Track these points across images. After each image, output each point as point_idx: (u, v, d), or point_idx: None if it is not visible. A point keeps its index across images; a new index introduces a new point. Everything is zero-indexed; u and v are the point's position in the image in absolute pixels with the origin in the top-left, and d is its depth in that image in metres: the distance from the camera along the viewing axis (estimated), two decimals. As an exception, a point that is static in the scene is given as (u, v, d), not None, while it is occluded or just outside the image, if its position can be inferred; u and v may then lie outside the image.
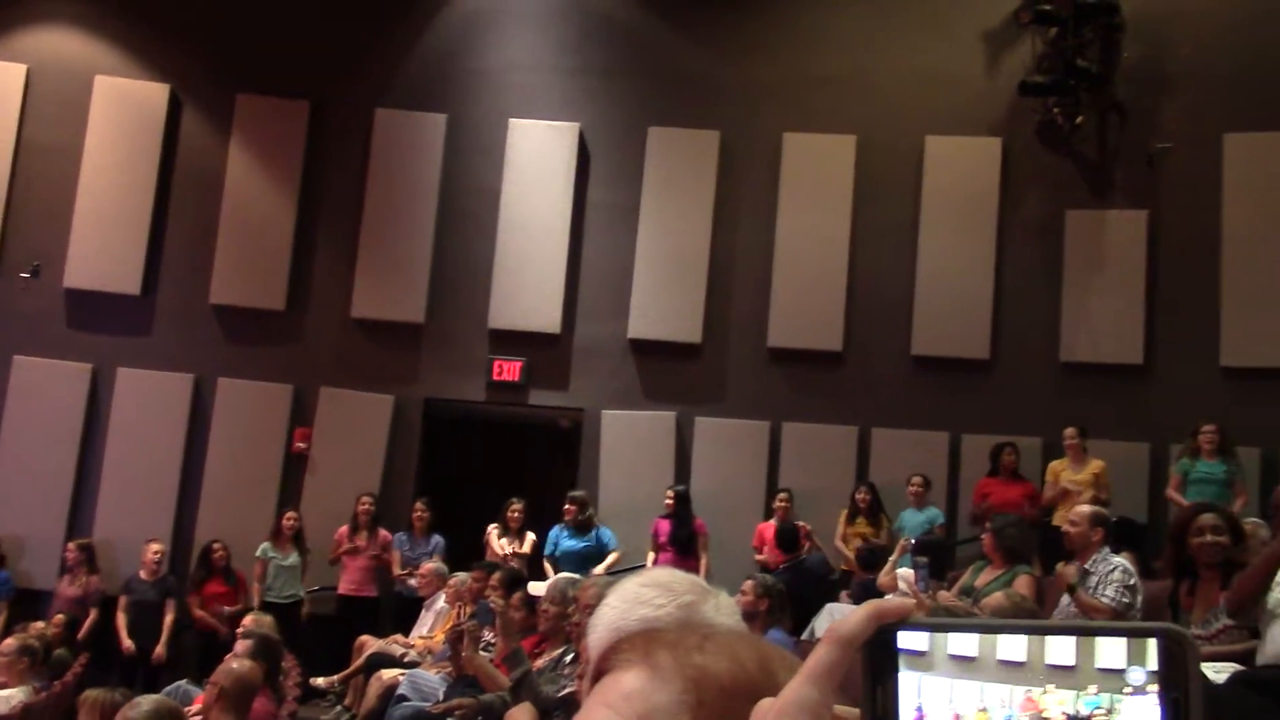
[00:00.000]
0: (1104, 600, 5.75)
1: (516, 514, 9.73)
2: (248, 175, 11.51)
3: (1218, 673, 4.54)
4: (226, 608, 9.64)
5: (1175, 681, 0.67)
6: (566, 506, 9.69)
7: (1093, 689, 0.69)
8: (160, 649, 9.72)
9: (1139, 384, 10.31)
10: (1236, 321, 10.10)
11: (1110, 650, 0.68)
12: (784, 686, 0.72)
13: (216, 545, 9.96)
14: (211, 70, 11.62)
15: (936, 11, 11.21)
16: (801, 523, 9.56)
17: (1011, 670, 0.70)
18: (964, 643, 0.71)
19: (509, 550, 9.56)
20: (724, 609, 1.72)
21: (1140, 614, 5.87)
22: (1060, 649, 0.69)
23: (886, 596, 7.04)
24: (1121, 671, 0.68)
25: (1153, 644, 0.68)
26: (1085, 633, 0.70)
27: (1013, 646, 0.70)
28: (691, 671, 0.80)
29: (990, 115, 11.00)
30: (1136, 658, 0.68)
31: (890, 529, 9.71)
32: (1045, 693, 0.69)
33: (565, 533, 9.62)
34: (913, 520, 9.63)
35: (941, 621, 0.74)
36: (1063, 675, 0.69)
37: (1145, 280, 10.44)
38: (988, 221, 10.80)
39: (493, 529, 9.81)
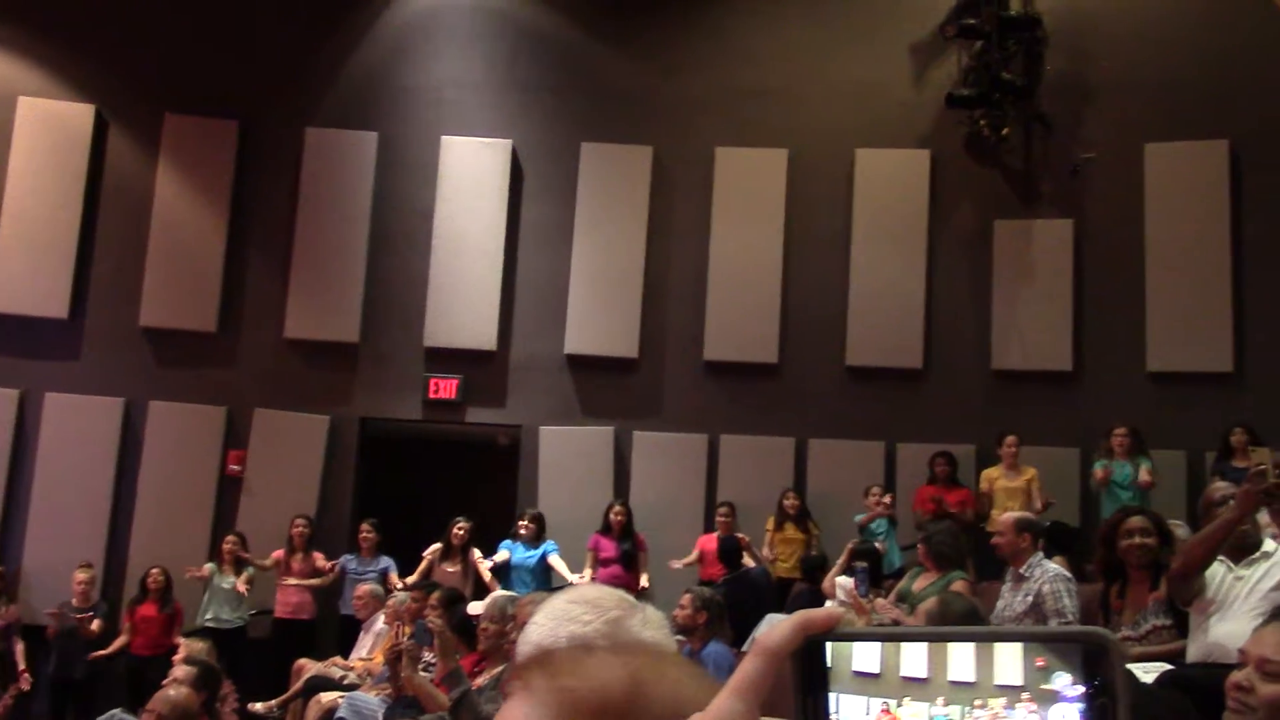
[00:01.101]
0: (1069, 613, 5.82)
1: (461, 532, 9.65)
2: (177, 196, 11.37)
3: (1147, 673, 4.62)
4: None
5: (1102, 686, 0.68)
6: (526, 523, 9.62)
7: (940, 700, 0.70)
8: (80, 674, 9.55)
9: (1068, 390, 10.49)
10: (1161, 327, 10.32)
11: (1007, 665, 0.69)
12: (657, 704, 0.72)
13: (154, 570, 9.80)
14: (138, 90, 11.47)
15: (865, 26, 11.35)
16: (741, 535, 9.61)
17: (913, 686, 0.71)
18: (868, 659, 0.72)
19: (487, 565, 9.51)
20: (652, 623, 1.73)
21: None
22: (961, 664, 0.70)
23: (827, 603, 7.10)
24: (1018, 688, 0.69)
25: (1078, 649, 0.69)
26: (1013, 639, 0.70)
27: (915, 662, 0.71)
28: (562, 695, 0.79)
29: (919, 128, 11.15)
30: (1062, 663, 0.69)
31: (820, 536, 9.77)
32: (900, 705, 0.70)
33: (519, 546, 9.57)
34: (872, 528, 9.61)
35: (866, 631, 0.75)
36: (961, 691, 0.70)
37: (1072, 288, 10.63)
38: (918, 232, 10.95)
39: (434, 549, 9.72)
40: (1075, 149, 10.81)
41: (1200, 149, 10.45)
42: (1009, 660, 0.69)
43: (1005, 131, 10.83)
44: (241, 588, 9.68)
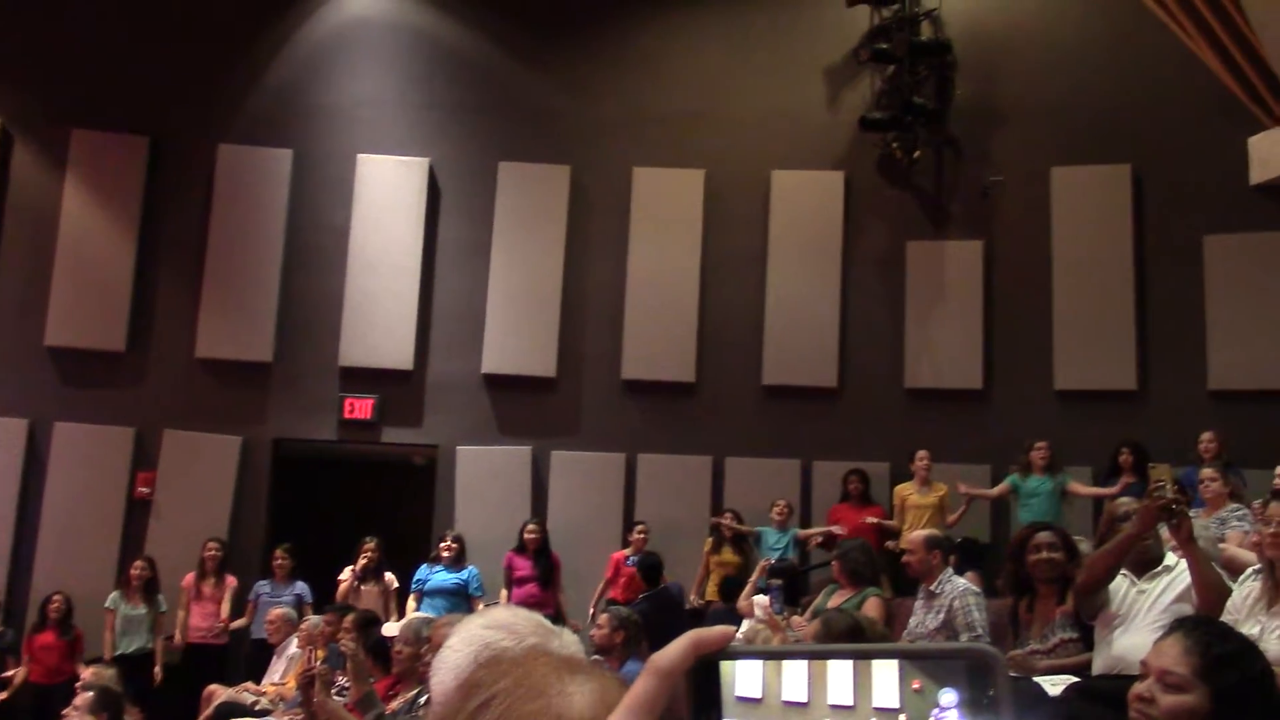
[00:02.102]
0: (978, 627, 5.90)
1: (370, 553, 9.51)
2: (84, 212, 11.14)
3: (1055, 685, 4.71)
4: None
5: (986, 702, 0.69)
6: (448, 544, 9.48)
7: None
8: None
9: (979, 408, 10.68)
10: (1068, 346, 10.56)
11: (884, 688, 0.70)
12: None
13: (56, 597, 9.53)
14: (45, 105, 11.24)
15: (781, 49, 11.49)
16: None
17: (793, 711, 0.72)
18: (749, 683, 0.72)
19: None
20: (568, 647, 1.73)
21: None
22: (840, 686, 0.71)
23: (744, 622, 7.14)
24: (895, 710, 0.70)
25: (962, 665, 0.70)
26: (899, 656, 0.71)
27: (795, 685, 0.72)
28: None
29: (833, 150, 11.31)
30: (948, 679, 0.70)
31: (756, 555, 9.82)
32: None
33: (436, 569, 9.43)
34: (771, 540, 9.66)
35: (760, 649, 0.75)
36: (840, 715, 0.71)
37: (983, 308, 10.84)
38: (833, 253, 11.09)
39: (348, 572, 9.57)
40: (984, 172, 11.04)
41: (1104, 173, 10.74)
42: (886, 683, 0.70)
43: (917, 154, 11.05)
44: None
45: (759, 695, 0.72)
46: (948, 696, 0.69)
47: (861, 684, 0.71)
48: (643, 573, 9.30)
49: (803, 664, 0.72)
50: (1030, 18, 11.19)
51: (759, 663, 0.73)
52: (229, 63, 11.50)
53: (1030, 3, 11.27)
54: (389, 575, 9.52)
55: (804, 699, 0.72)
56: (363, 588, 9.40)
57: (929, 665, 0.71)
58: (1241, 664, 2.24)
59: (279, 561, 9.77)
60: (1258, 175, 10.39)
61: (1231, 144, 10.45)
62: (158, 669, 9.56)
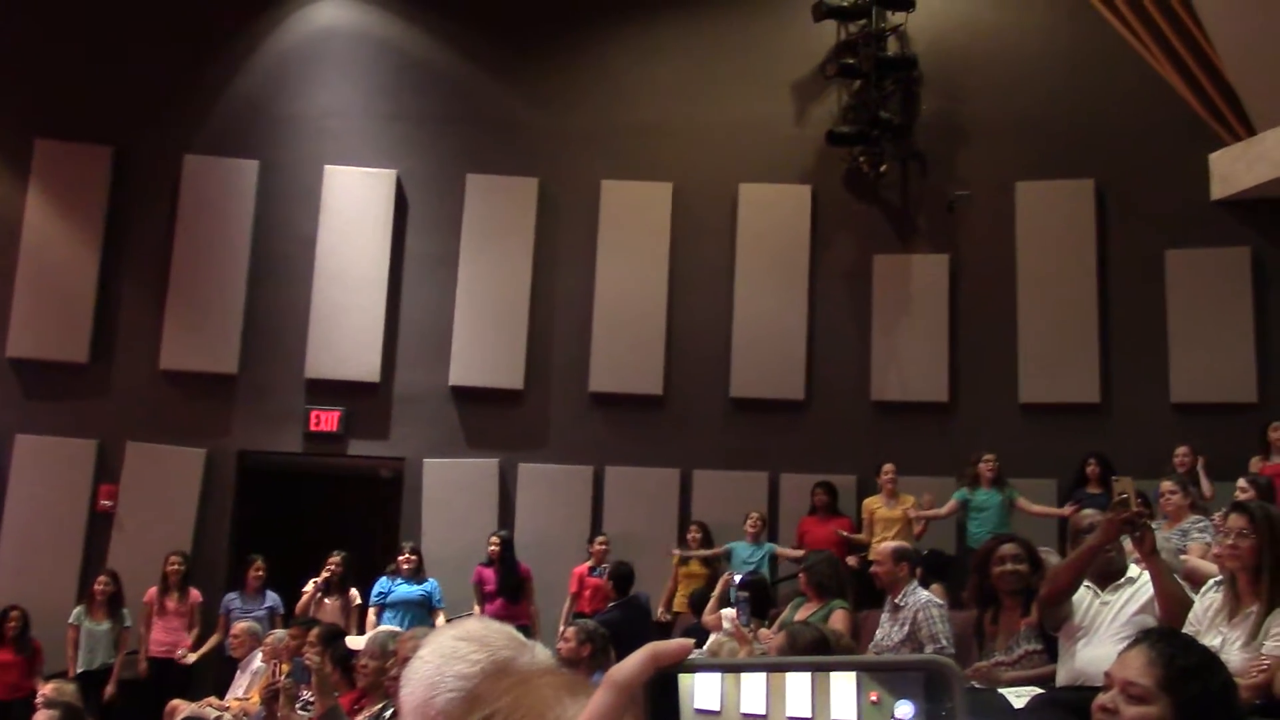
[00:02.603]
0: (942, 639, 5.93)
1: (334, 567, 9.45)
2: (47, 223, 11.05)
3: (1019, 696, 4.74)
4: None
5: (943, 714, 0.69)
6: (407, 556, 9.43)
7: None
8: None
9: (945, 421, 10.74)
10: (1032, 359, 10.64)
11: (841, 700, 0.70)
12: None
13: (13, 613, 9.38)
14: (7, 114, 11.15)
15: (748, 63, 11.55)
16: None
17: None
18: (708, 695, 0.72)
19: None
20: (540, 661, 1.72)
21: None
22: (798, 699, 0.71)
23: (712, 636, 7.14)
24: None
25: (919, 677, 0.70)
26: (858, 668, 0.71)
27: (754, 698, 0.72)
28: None
29: (800, 164, 11.37)
30: (906, 692, 0.70)
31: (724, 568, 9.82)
32: None
33: (397, 581, 9.39)
34: (744, 554, 9.64)
35: (718, 662, 0.75)
36: None
37: (948, 321, 10.91)
38: (800, 266, 11.14)
39: (311, 584, 9.50)
40: (950, 186, 11.12)
41: (1068, 188, 10.85)
42: (843, 695, 0.70)
43: (883, 168, 11.12)
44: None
45: (718, 708, 0.72)
46: (904, 708, 0.69)
47: (820, 696, 0.71)
48: (615, 581, 9.26)
49: (761, 676, 0.72)
50: (995, 34, 11.30)
51: (718, 675, 0.73)
52: (195, 73, 11.44)
53: (995, 20, 11.38)
54: (353, 591, 9.44)
55: (762, 711, 0.71)
56: (325, 600, 9.32)
57: (887, 677, 0.71)
58: (1204, 676, 2.27)
59: (255, 572, 9.68)
60: (1218, 191, 10.53)
61: (1193, 160, 10.59)
62: (110, 686, 9.43)
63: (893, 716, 0.69)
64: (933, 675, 0.70)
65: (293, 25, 11.72)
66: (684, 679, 0.73)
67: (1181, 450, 8.86)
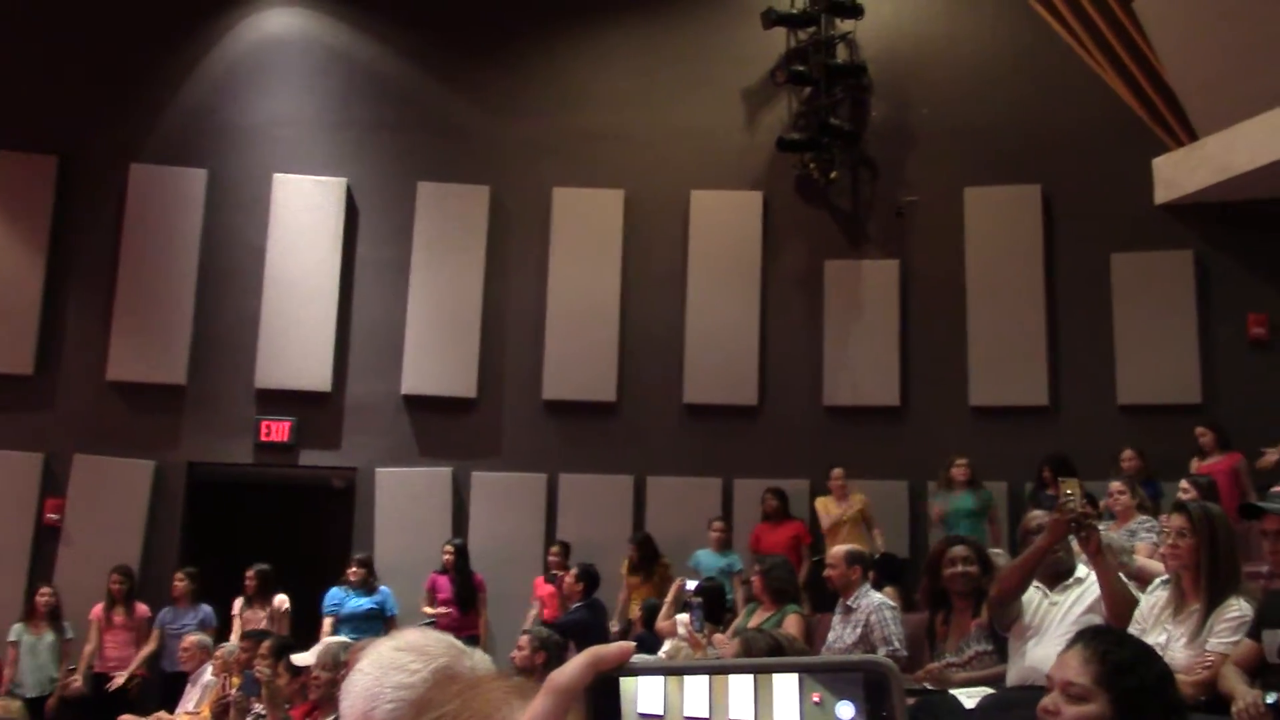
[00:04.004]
0: (895, 640, 5.96)
1: (250, 581, 9.31)
2: (-10, 233, 10.89)
3: (970, 696, 4.78)
4: None
5: (882, 714, 0.70)
6: (354, 569, 9.34)
7: None
8: None
9: (897, 424, 10.82)
10: (982, 363, 10.75)
11: (784, 701, 0.71)
12: None
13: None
14: (-52, 123, 10.97)
15: (699, 71, 11.59)
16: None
17: None
18: (651, 699, 0.73)
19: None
20: (480, 668, 1.72)
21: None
22: (741, 701, 0.71)
23: (666, 642, 7.15)
24: None
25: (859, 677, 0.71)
26: (796, 670, 0.72)
27: (697, 701, 0.72)
28: None
29: (751, 170, 11.42)
30: (846, 692, 0.70)
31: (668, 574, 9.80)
32: None
33: (350, 593, 9.29)
34: (710, 562, 9.61)
35: (660, 665, 0.75)
36: None
37: (899, 326, 10.99)
38: (752, 272, 11.18)
39: (239, 603, 9.37)
40: (899, 192, 11.22)
41: (1015, 193, 10.97)
42: (786, 697, 0.71)
43: (834, 175, 11.19)
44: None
45: (660, 711, 0.73)
46: (845, 709, 0.70)
47: (762, 698, 0.71)
48: (584, 580, 9.22)
49: (704, 679, 0.73)
50: (943, 42, 11.41)
51: (660, 679, 0.74)
52: (141, 81, 11.31)
53: (943, 27, 11.49)
54: (279, 597, 9.30)
55: (705, 714, 0.72)
56: (246, 614, 9.20)
57: (828, 678, 0.71)
58: (1139, 670, 2.30)
59: (179, 584, 9.54)
60: (1162, 195, 10.69)
61: (1137, 165, 10.74)
62: (51, 701, 9.29)
63: (834, 717, 0.70)
64: (871, 676, 0.70)
65: (241, 33, 11.63)
66: (626, 683, 0.74)
67: (1128, 453, 8.98)
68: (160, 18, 11.44)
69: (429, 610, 9.35)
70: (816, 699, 0.71)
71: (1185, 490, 6.72)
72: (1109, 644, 2.36)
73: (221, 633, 9.01)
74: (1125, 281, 10.66)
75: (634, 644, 0.77)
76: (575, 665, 0.73)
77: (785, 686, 0.71)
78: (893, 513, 10.16)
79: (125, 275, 10.96)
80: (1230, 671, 3.77)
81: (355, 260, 11.22)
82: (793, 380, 11.00)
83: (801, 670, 0.72)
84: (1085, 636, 2.40)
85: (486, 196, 11.29)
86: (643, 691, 0.73)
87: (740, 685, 0.72)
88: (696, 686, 0.73)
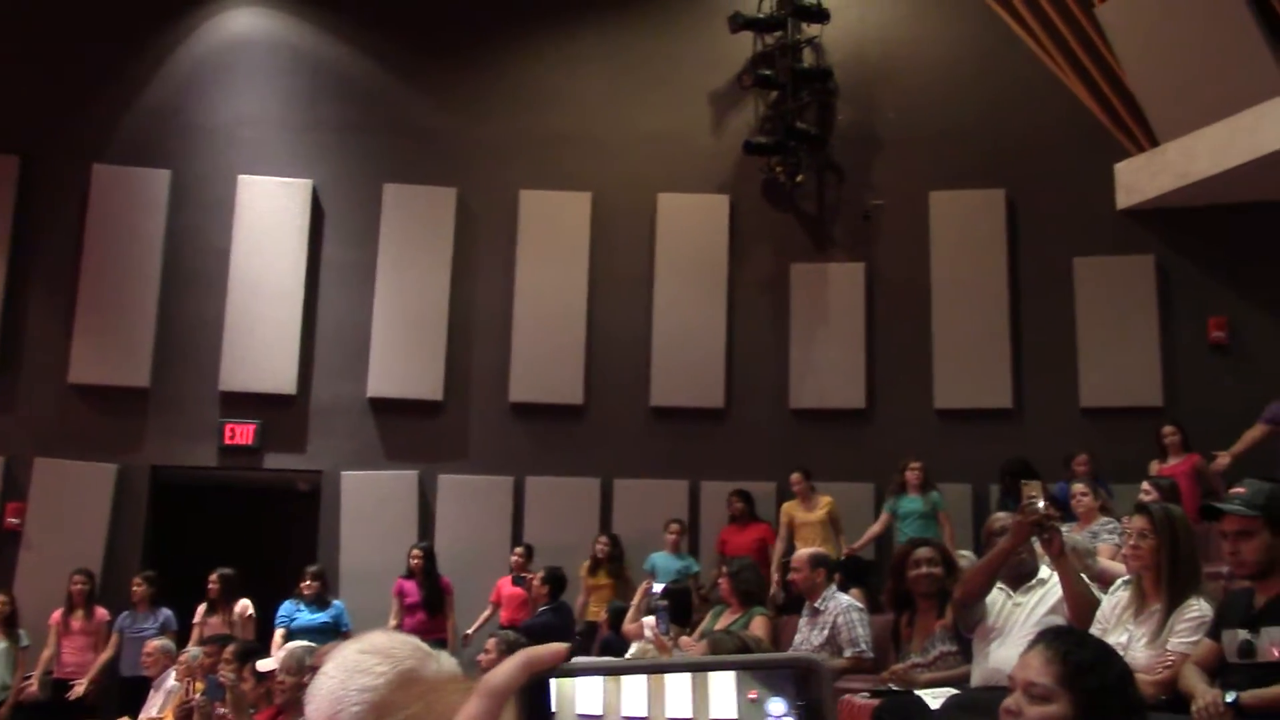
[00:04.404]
0: (862, 642, 5.99)
1: (213, 585, 9.23)
2: (-51, 234, 10.76)
3: (935, 698, 4.81)
4: None
5: (811, 708, 0.72)
6: (308, 582, 9.24)
7: None
8: None
9: (862, 427, 10.87)
10: (947, 366, 10.81)
11: (721, 699, 0.72)
12: None
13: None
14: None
15: (666, 75, 11.61)
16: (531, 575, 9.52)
17: None
18: (590, 699, 0.74)
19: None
20: (446, 670, 1.72)
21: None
22: (678, 700, 0.73)
23: (633, 644, 7.15)
24: None
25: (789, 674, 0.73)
26: (727, 668, 0.73)
27: (635, 701, 0.73)
28: None
29: (718, 173, 11.45)
30: (779, 689, 0.72)
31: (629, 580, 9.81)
32: None
33: (302, 607, 9.19)
34: (666, 565, 9.63)
35: (593, 665, 0.76)
36: None
37: (865, 329, 11.05)
38: (718, 275, 11.21)
39: (202, 608, 9.27)
40: (865, 195, 11.28)
41: (980, 197, 11.05)
42: (723, 695, 0.72)
43: (800, 178, 11.24)
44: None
45: (600, 711, 0.74)
46: (776, 705, 0.72)
47: (699, 696, 0.73)
48: (550, 584, 9.21)
49: (642, 679, 0.74)
50: (908, 47, 11.48)
51: (600, 679, 0.75)
52: (104, 81, 11.22)
53: (908, 33, 11.56)
54: (243, 602, 9.22)
55: (644, 713, 0.73)
56: (210, 620, 9.12)
57: (763, 675, 0.73)
58: (1100, 669, 2.33)
59: (136, 588, 9.44)
60: (1123, 200, 10.80)
61: (1099, 170, 10.85)
62: (5, 710, 9.16)
63: (766, 713, 0.72)
64: (801, 672, 0.72)
65: (205, 33, 11.55)
66: (566, 684, 0.75)
67: (1081, 458, 9.08)
68: (124, 17, 11.35)
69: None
70: (753, 696, 0.73)
71: (1147, 492, 6.79)
72: (1070, 644, 2.38)
73: (183, 638, 8.91)
74: (1088, 285, 10.76)
75: (568, 646, 0.78)
76: (508, 667, 0.74)
77: (723, 684, 0.73)
78: (859, 515, 10.18)
79: (87, 277, 10.86)
80: (1190, 671, 3.81)
81: (321, 262, 11.16)
82: (759, 383, 11.03)
83: (735, 668, 0.73)
84: (1047, 637, 2.42)
85: (453, 199, 11.27)
86: (581, 692, 0.74)
87: (678, 684, 0.73)
88: (635, 686, 0.74)
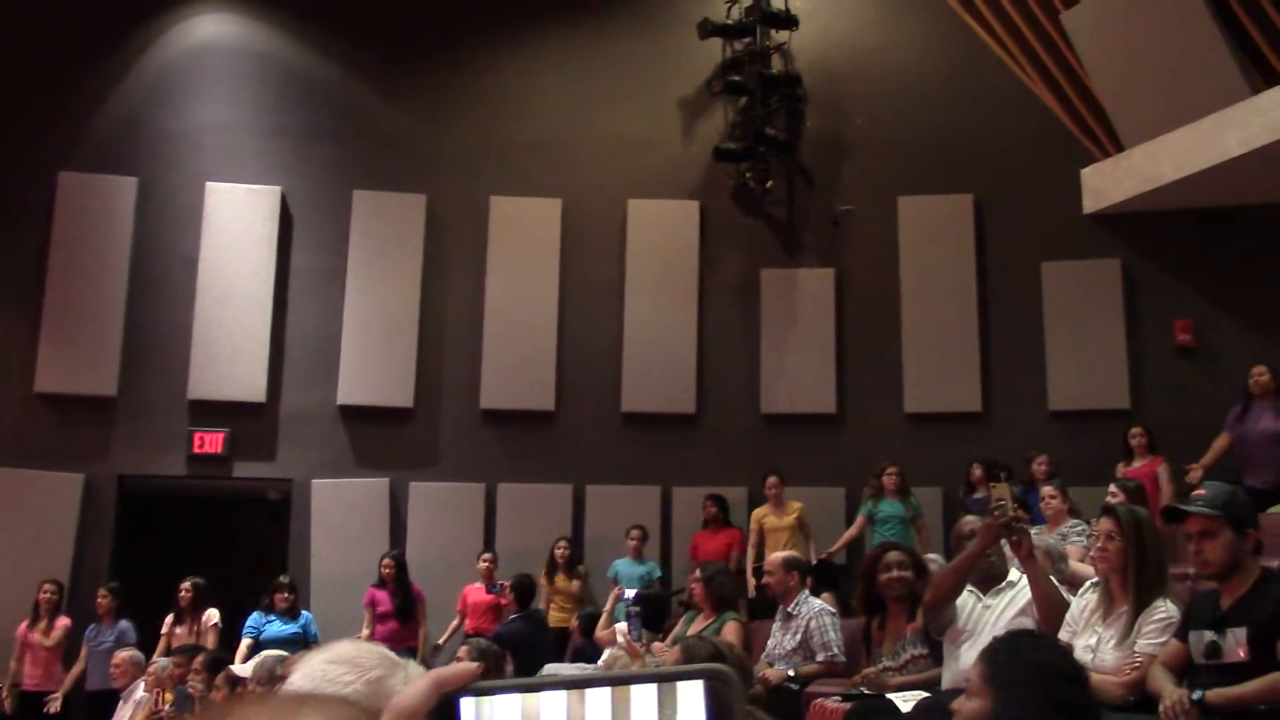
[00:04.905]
0: (834, 646, 6.00)
1: (185, 594, 9.16)
2: (-88, 242, 10.64)
3: (907, 700, 4.84)
4: None
5: (717, 713, 0.72)
6: (284, 594, 9.17)
7: None
8: None
9: (833, 432, 10.90)
10: (916, 370, 10.87)
11: (643, 711, 0.72)
12: None
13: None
14: None
15: (635, 81, 11.62)
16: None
17: None
18: (509, 716, 0.73)
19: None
20: (414, 679, 1.71)
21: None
22: (598, 713, 0.73)
23: (606, 651, 7.14)
24: None
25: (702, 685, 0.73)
26: (642, 680, 0.73)
27: (555, 716, 0.73)
28: None
29: (688, 179, 11.47)
30: (694, 700, 0.72)
31: (587, 579, 9.82)
32: None
33: (272, 617, 9.13)
34: (628, 571, 9.66)
35: (504, 684, 0.76)
36: None
37: (835, 334, 11.09)
38: (689, 281, 11.23)
39: (170, 618, 9.20)
40: (835, 201, 11.33)
41: (948, 202, 11.12)
42: (644, 706, 0.72)
43: (769, 184, 11.28)
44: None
45: None
46: (692, 716, 0.72)
47: (619, 709, 0.73)
48: (518, 593, 9.20)
49: (561, 695, 0.74)
50: (876, 54, 11.54)
51: (518, 696, 0.74)
52: (70, 87, 11.13)
53: (876, 40, 11.62)
54: (209, 612, 9.15)
55: None
56: (177, 630, 9.05)
57: (682, 687, 0.73)
58: (1017, 665, 2.47)
59: (100, 599, 9.36)
60: (1090, 205, 10.89)
61: (1066, 175, 10.94)
62: None
63: None
64: (713, 683, 0.73)
65: (173, 39, 11.48)
66: (483, 703, 0.74)
67: (1041, 458, 9.16)
68: (90, 23, 11.27)
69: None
70: (671, 710, 0.73)
71: (1114, 494, 6.83)
72: (1000, 642, 2.55)
73: (148, 648, 8.83)
74: (1055, 289, 10.84)
75: (477, 666, 0.77)
76: (417, 688, 0.73)
77: (644, 697, 0.73)
78: (830, 519, 10.22)
79: (54, 285, 10.76)
80: (1158, 672, 3.84)
81: (290, 269, 11.11)
82: (730, 388, 11.05)
83: (645, 680, 0.73)
84: (992, 642, 2.60)
85: (423, 205, 11.24)
86: (499, 711, 0.74)
87: (598, 699, 0.73)
88: (554, 702, 0.74)
